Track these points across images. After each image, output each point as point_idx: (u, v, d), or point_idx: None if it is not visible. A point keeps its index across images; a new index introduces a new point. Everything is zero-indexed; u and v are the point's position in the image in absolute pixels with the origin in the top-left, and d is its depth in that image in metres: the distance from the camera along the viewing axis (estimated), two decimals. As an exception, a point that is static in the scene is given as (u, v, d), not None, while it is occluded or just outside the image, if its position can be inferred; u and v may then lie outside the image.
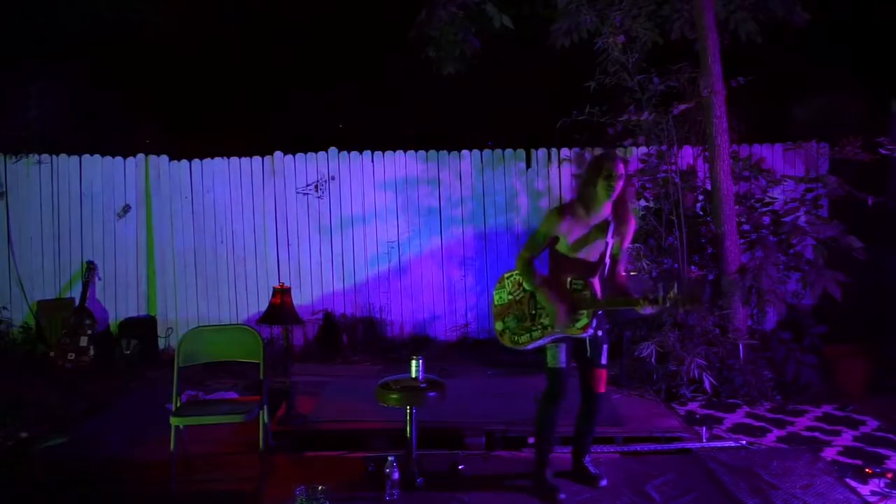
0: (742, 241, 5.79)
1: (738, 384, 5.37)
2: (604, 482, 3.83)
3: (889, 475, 3.94)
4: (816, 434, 4.70)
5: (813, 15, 6.02)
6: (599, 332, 3.73)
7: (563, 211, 3.71)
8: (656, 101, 6.01)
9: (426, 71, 7.09)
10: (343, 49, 9.14)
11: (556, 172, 7.44)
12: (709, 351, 5.41)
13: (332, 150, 7.56)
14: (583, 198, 3.69)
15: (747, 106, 6.24)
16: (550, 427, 3.80)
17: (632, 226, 3.76)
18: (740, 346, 5.41)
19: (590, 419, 3.87)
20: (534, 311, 3.75)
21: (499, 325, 3.90)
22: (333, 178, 7.50)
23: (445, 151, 7.54)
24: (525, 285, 3.78)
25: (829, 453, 4.33)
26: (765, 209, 6.10)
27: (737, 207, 5.79)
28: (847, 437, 4.62)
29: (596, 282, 3.67)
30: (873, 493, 3.78)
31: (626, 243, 3.78)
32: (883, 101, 6.35)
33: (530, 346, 3.76)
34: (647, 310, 3.49)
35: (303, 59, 9.07)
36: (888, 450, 4.37)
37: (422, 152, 7.54)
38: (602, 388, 3.80)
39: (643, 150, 6.60)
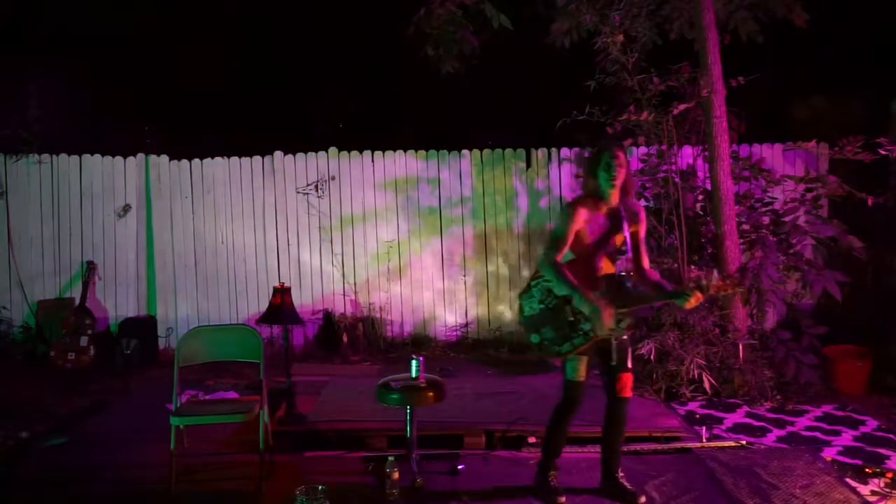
0: (742, 241, 5.79)
1: (738, 384, 5.37)
2: (643, 499, 3.61)
3: (889, 475, 3.94)
4: (816, 434, 4.70)
5: (813, 15, 6.02)
6: (625, 336, 3.59)
7: (578, 203, 3.60)
8: (656, 101, 6.01)
9: (426, 70, 7.09)
10: (343, 49, 9.14)
11: (556, 172, 7.44)
12: (708, 351, 5.41)
13: (332, 149, 7.56)
14: (589, 191, 3.62)
15: (747, 106, 6.24)
16: (561, 435, 3.71)
17: (643, 215, 3.69)
18: (740, 346, 5.41)
19: (618, 426, 3.68)
20: (572, 318, 3.51)
21: (535, 338, 3.62)
22: (333, 178, 7.50)
23: (445, 151, 7.54)
24: (556, 290, 3.54)
25: (829, 453, 4.32)
26: (765, 209, 6.10)
27: (737, 207, 5.79)
28: (847, 437, 4.61)
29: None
30: (873, 493, 3.78)
31: (643, 233, 3.68)
32: (883, 102, 6.35)
33: (573, 354, 3.54)
34: (688, 303, 3.31)
35: (303, 58, 9.07)
36: (888, 450, 4.37)
37: (422, 152, 7.54)
38: (629, 393, 3.64)
39: (643, 150, 6.61)
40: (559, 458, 3.77)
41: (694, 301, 3.32)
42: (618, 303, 3.48)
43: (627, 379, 3.62)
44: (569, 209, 3.60)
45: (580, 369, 3.57)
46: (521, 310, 3.71)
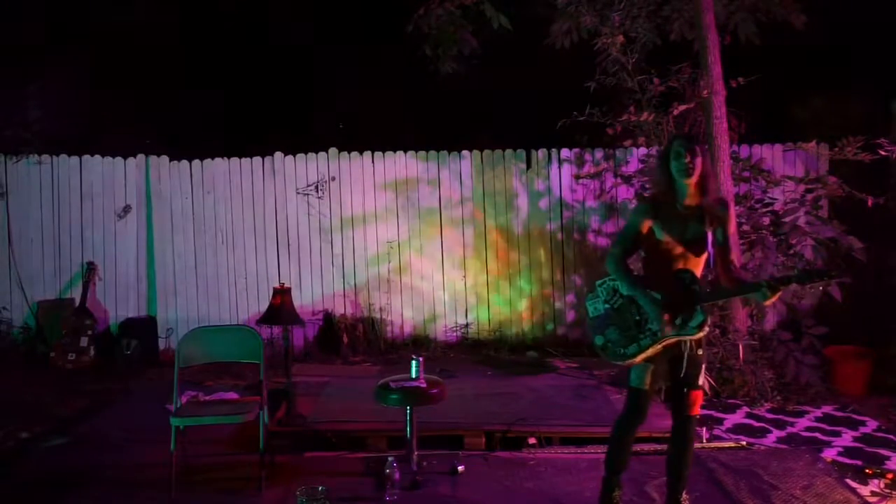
0: (742, 241, 5.79)
1: (738, 385, 5.37)
2: None
3: (889, 476, 3.94)
4: (816, 434, 4.70)
5: (813, 15, 6.02)
6: (699, 351, 3.34)
7: (649, 200, 3.41)
8: (656, 102, 6.01)
9: (426, 71, 7.09)
10: (343, 49, 9.14)
11: (556, 173, 7.44)
12: (708, 351, 5.40)
13: (332, 150, 7.56)
14: (660, 185, 3.37)
15: (747, 106, 6.24)
16: (626, 448, 3.46)
17: (731, 210, 3.36)
18: (740, 347, 5.41)
19: (684, 446, 3.42)
20: (638, 318, 3.31)
21: (599, 340, 3.42)
22: (334, 179, 7.50)
23: (445, 151, 7.53)
24: (622, 288, 3.37)
25: (829, 454, 4.33)
26: (765, 210, 6.09)
27: (737, 208, 5.79)
28: (847, 438, 4.62)
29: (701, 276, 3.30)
30: (873, 493, 3.79)
31: (732, 229, 3.36)
32: (883, 102, 6.35)
33: (640, 357, 3.29)
34: (767, 297, 3.05)
35: (302, 58, 9.07)
36: (888, 450, 4.37)
37: (422, 152, 7.54)
38: (697, 411, 3.41)
39: (643, 150, 6.61)
40: (623, 472, 3.52)
41: (773, 295, 3.06)
42: (685, 302, 3.22)
43: (697, 396, 3.38)
44: (638, 205, 3.44)
45: (645, 377, 3.34)
46: (586, 312, 3.53)
